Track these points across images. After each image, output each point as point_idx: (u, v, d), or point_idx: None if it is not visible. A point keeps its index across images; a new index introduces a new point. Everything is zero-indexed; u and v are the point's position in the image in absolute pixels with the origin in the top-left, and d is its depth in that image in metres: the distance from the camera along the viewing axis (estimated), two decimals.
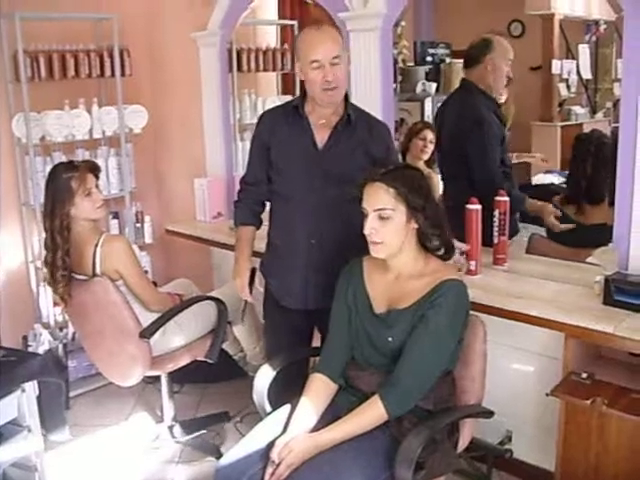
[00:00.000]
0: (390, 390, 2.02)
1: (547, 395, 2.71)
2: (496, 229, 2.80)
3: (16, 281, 3.79)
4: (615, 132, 2.81)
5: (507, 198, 2.81)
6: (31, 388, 2.06)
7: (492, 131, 3.15)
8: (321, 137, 2.46)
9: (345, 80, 2.41)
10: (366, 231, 2.08)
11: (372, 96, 3.04)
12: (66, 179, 2.79)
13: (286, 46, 4.40)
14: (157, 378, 3.24)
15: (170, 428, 3.23)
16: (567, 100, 6.54)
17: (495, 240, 2.82)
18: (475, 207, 2.72)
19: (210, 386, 3.70)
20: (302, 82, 2.47)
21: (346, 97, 2.48)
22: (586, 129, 6.53)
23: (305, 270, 2.52)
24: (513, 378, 2.85)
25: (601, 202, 3.16)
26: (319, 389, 2.17)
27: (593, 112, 6.79)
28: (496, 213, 2.79)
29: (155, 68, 4.15)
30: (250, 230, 2.65)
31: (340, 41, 2.39)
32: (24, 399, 2.05)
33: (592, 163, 3.15)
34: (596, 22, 6.70)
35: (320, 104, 2.42)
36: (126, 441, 3.17)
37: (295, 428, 2.04)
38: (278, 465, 1.93)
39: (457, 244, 2.95)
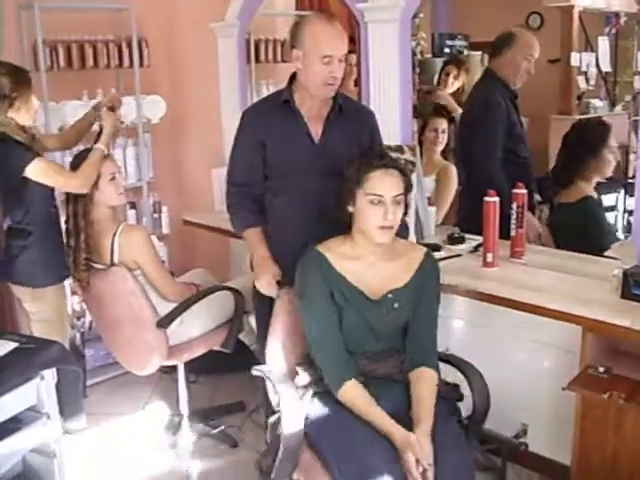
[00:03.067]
0: (427, 356, 2.24)
1: (563, 389, 2.73)
2: (514, 222, 2.79)
3: None
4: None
5: (525, 191, 2.80)
6: (50, 375, 2.07)
7: (499, 115, 3.27)
8: (315, 130, 2.45)
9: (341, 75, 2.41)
10: (388, 217, 2.13)
11: (390, 88, 3.02)
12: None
13: None
14: (173, 368, 3.25)
15: (186, 417, 3.25)
16: (586, 93, 6.46)
17: (512, 233, 2.80)
18: (493, 199, 2.70)
19: (225, 376, 3.72)
20: (294, 72, 2.44)
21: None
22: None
23: None
24: (528, 371, 2.85)
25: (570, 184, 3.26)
26: (363, 392, 2.12)
27: (612, 105, 6.71)
28: (514, 206, 2.78)
29: (173, 59, 4.16)
30: (258, 231, 2.53)
31: (346, 37, 2.38)
32: (43, 386, 2.06)
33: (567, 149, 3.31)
34: (616, 14, 6.61)
35: (314, 96, 2.41)
36: (142, 430, 3.19)
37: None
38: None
39: (468, 237, 3.03)
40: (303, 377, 2.21)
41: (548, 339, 2.77)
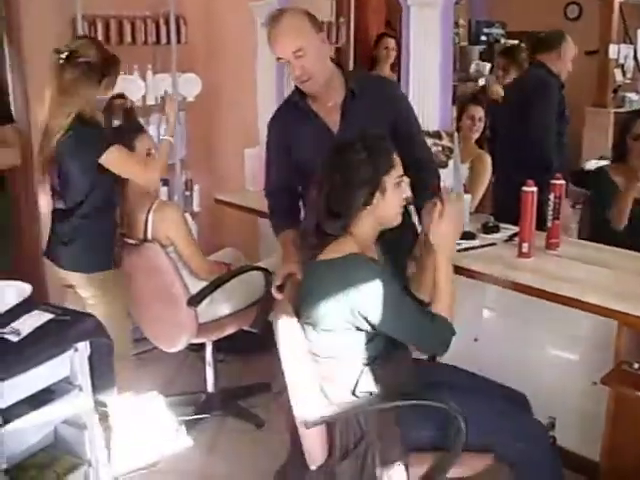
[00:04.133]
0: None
1: (595, 384, 2.70)
2: (550, 213, 2.75)
3: None
4: None
5: (563, 182, 2.76)
6: (83, 348, 2.08)
7: (555, 97, 3.51)
8: (333, 121, 2.40)
9: (319, 68, 2.29)
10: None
11: (430, 73, 3.00)
12: (130, 138, 2.82)
13: (342, 19, 4.35)
14: (201, 346, 3.27)
15: (213, 396, 3.27)
16: (622, 86, 6.38)
17: (549, 224, 2.77)
18: (531, 189, 2.66)
19: (254, 357, 3.71)
20: None
21: (341, 68, 2.43)
22: None
23: None
24: (558, 364, 2.82)
25: None
26: None
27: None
28: (551, 197, 2.74)
29: (210, 37, 4.14)
30: (291, 232, 2.40)
31: (304, 32, 2.24)
32: (77, 358, 2.06)
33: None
34: None
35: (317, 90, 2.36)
36: (168, 406, 3.20)
37: None
38: None
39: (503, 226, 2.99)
40: None
41: (579, 332, 2.75)
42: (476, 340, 3.04)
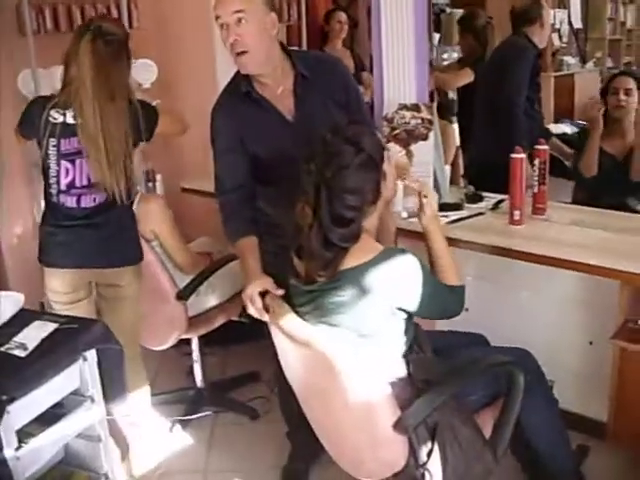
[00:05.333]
0: None
1: (591, 344, 2.75)
2: (536, 178, 2.76)
3: (27, 246, 3.63)
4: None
5: (546, 147, 2.78)
6: (92, 356, 1.96)
7: (530, 60, 3.59)
8: (287, 108, 2.27)
9: (260, 44, 2.15)
10: None
11: (404, 43, 2.92)
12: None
13: None
14: (181, 341, 3.16)
15: (203, 391, 3.17)
16: (559, 50, 6.49)
17: (535, 190, 2.78)
18: (519, 156, 2.66)
19: (234, 347, 3.63)
20: None
21: (286, 50, 2.30)
22: (577, 79, 6.53)
23: None
24: (552, 327, 2.84)
25: None
26: None
27: (583, 62, 6.76)
28: (536, 162, 2.75)
29: (164, 21, 3.96)
30: (251, 240, 2.25)
31: None
32: (86, 368, 1.94)
33: None
34: None
35: (267, 74, 2.22)
36: (155, 406, 3.10)
37: None
38: None
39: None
40: None
41: (571, 294, 2.78)
42: (467, 310, 3.03)
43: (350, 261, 1.85)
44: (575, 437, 2.53)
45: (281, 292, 2.03)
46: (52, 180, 2.41)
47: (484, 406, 2.11)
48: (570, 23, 6.50)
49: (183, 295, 2.75)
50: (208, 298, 2.95)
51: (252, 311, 2.08)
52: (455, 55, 4.94)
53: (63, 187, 2.41)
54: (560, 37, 6.42)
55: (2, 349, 1.86)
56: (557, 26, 6.35)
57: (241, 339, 3.55)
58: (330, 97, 2.30)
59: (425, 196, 2.06)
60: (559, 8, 6.42)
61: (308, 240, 1.86)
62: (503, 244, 2.55)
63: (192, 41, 3.92)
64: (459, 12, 5.37)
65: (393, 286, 1.84)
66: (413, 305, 1.89)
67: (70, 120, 2.35)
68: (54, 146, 2.37)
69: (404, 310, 1.90)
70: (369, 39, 3.10)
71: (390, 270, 1.83)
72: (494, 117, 3.51)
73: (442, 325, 2.52)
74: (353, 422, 1.94)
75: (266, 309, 2.04)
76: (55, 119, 2.36)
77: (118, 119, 2.35)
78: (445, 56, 5.03)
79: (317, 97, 2.27)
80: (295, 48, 2.69)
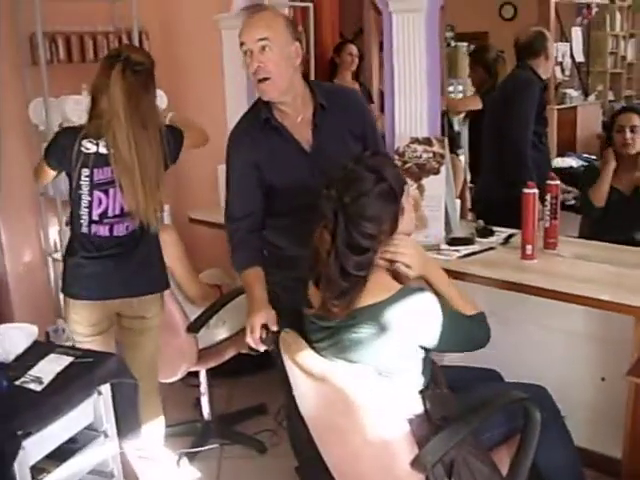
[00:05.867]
0: None
1: (603, 380, 2.73)
2: (548, 213, 2.77)
3: (34, 275, 3.64)
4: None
5: (558, 182, 2.78)
6: (107, 390, 1.94)
7: (535, 95, 3.52)
8: (305, 138, 2.28)
9: (282, 72, 2.17)
10: None
11: (417, 80, 2.94)
12: None
13: (300, 28, 4.28)
14: (187, 373, 3.13)
15: (210, 423, 3.14)
16: (562, 83, 6.56)
17: (547, 224, 2.78)
18: (532, 191, 2.67)
19: (239, 379, 3.60)
20: None
21: (306, 80, 2.32)
22: (579, 112, 6.59)
23: None
24: (564, 363, 2.83)
25: None
26: None
27: (585, 95, 6.82)
28: (548, 197, 2.75)
29: (175, 52, 4.00)
30: (257, 270, 2.27)
31: (276, 26, 2.15)
32: (101, 402, 1.92)
33: None
34: (588, 5, 6.72)
35: (289, 103, 2.24)
36: (163, 439, 3.07)
37: None
38: None
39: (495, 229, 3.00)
40: None
41: (583, 329, 2.76)
42: None
43: (367, 298, 1.83)
44: (589, 475, 2.49)
45: (275, 328, 2.09)
46: (83, 211, 2.39)
47: (500, 443, 2.09)
48: (572, 56, 6.57)
49: (194, 328, 2.73)
50: (218, 331, 2.94)
51: (249, 340, 2.12)
52: (460, 87, 4.99)
53: (95, 217, 2.39)
54: (562, 70, 6.48)
55: (17, 383, 1.84)
56: (560, 59, 6.41)
57: (248, 371, 3.53)
58: (347, 129, 2.32)
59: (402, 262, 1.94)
60: (561, 42, 6.49)
61: (326, 266, 1.85)
62: (516, 279, 2.54)
63: (202, 72, 3.95)
64: (463, 45, 5.44)
65: (411, 325, 1.83)
66: (432, 342, 1.87)
67: (103, 150, 2.34)
68: (87, 176, 2.35)
69: (423, 348, 1.88)
70: (380, 71, 3.14)
71: (408, 309, 1.81)
72: (501, 151, 3.49)
73: (455, 360, 2.52)
74: (370, 459, 1.91)
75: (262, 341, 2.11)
76: (88, 149, 2.34)
77: (151, 147, 2.36)
78: (451, 89, 5.07)
79: (335, 128, 2.28)
80: None
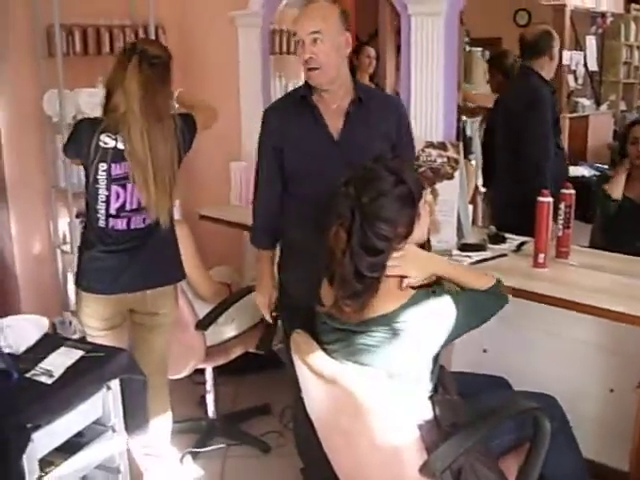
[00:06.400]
0: None
1: (612, 391, 2.71)
2: (561, 222, 2.75)
3: (42, 266, 3.63)
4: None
5: (573, 191, 2.76)
6: (116, 386, 1.93)
7: (549, 111, 3.42)
8: (335, 126, 2.30)
9: (332, 62, 2.23)
10: None
11: (433, 83, 2.94)
12: None
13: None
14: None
15: (215, 422, 3.13)
16: (574, 91, 6.54)
17: (560, 233, 2.76)
18: (547, 200, 2.65)
19: (244, 377, 3.59)
20: None
21: (354, 78, 2.38)
22: (591, 121, 6.58)
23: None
24: (572, 373, 2.81)
25: None
26: None
27: (597, 104, 6.80)
28: (562, 206, 2.74)
29: (190, 47, 3.98)
30: (272, 254, 2.50)
31: (329, 18, 2.22)
32: (110, 397, 1.91)
33: None
34: (603, 14, 6.70)
35: (329, 89, 2.28)
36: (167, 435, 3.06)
37: None
38: None
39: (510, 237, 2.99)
40: None
41: (593, 340, 2.74)
42: (485, 351, 3.02)
43: (381, 306, 1.83)
44: None
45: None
46: (100, 205, 2.37)
47: (509, 451, 2.07)
48: (586, 65, 6.55)
49: (203, 325, 2.73)
50: (226, 329, 2.93)
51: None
52: (474, 92, 4.97)
53: (113, 211, 2.37)
54: (575, 79, 6.46)
55: (27, 375, 1.83)
56: (573, 68, 6.40)
57: (253, 370, 3.52)
58: (380, 128, 2.34)
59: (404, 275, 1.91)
60: (575, 50, 6.48)
61: (341, 266, 1.84)
62: (528, 287, 2.51)
63: (217, 67, 3.93)
64: (478, 50, 5.43)
65: (424, 330, 1.82)
66: (445, 339, 1.87)
67: (121, 145, 2.32)
68: (104, 171, 2.33)
69: (434, 349, 1.88)
70: (396, 74, 3.12)
71: (420, 315, 1.81)
72: (519, 160, 3.44)
73: (462, 367, 2.50)
74: (378, 463, 1.90)
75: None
76: (106, 144, 2.32)
77: (165, 141, 2.35)
78: None
79: (367, 123, 2.31)
80: None
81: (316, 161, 2.31)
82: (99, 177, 2.34)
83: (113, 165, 2.33)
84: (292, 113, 2.34)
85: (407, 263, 1.88)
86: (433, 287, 1.90)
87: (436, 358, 1.94)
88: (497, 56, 4.47)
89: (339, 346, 1.90)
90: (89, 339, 2.32)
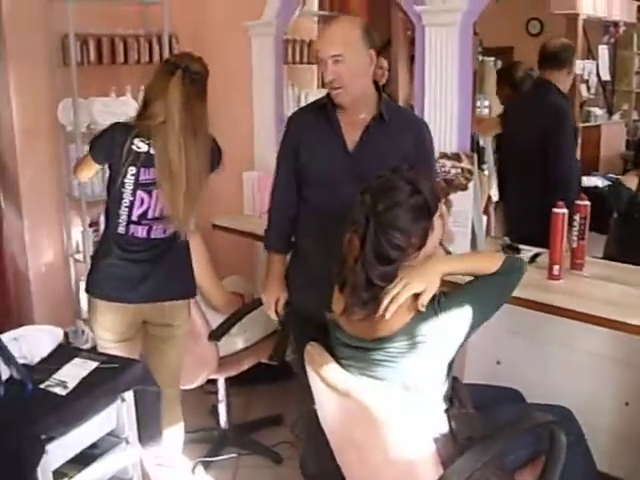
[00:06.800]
0: None
1: (627, 404, 2.69)
2: (576, 233, 2.73)
3: (55, 275, 3.64)
4: None
5: (588, 202, 2.75)
6: (130, 397, 1.92)
7: (572, 128, 3.50)
8: (352, 138, 2.29)
9: (356, 82, 2.22)
10: None
11: (447, 94, 2.93)
12: None
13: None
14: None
15: (227, 432, 3.12)
16: (587, 101, 6.49)
17: (574, 244, 2.74)
18: (562, 211, 2.63)
19: (257, 387, 3.58)
20: None
21: (380, 93, 2.34)
22: (604, 131, 6.53)
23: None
24: (586, 386, 2.79)
25: None
26: None
27: (610, 114, 6.76)
28: (577, 217, 2.72)
29: (204, 57, 3.96)
30: (284, 258, 2.50)
31: (350, 42, 2.20)
32: (124, 409, 1.91)
33: None
34: (615, 24, 6.66)
35: (353, 101, 2.27)
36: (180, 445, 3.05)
37: None
38: None
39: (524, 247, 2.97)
40: None
41: (608, 352, 2.72)
42: (499, 363, 3.00)
43: (393, 323, 1.80)
44: None
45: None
46: (123, 210, 2.36)
47: (524, 465, 2.06)
48: (598, 75, 6.50)
49: (216, 335, 2.72)
50: (239, 339, 2.93)
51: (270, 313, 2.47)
52: (486, 103, 4.94)
53: (134, 217, 2.36)
54: (588, 88, 6.41)
55: (42, 386, 1.83)
56: (585, 77, 6.35)
57: (265, 380, 3.51)
58: (398, 147, 2.29)
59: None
60: (588, 59, 6.44)
61: (353, 273, 1.83)
62: (542, 299, 2.50)
63: (230, 78, 3.92)
64: (490, 60, 5.40)
65: (440, 340, 1.81)
66: (461, 342, 1.86)
67: (153, 151, 2.33)
68: (132, 175, 2.33)
69: (450, 354, 1.87)
70: (410, 84, 3.10)
71: (435, 326, 1.79)
72: (538, 171, 3.42)
73: (475, 379, 2.49)
74: (392, 478, 1.89)
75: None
76: (139, 148, 2.33)
77: (199, 154, 2.36)
78: (477, 103, 5.02)
79: (386, 141, 2.28)
80: None
81: (328, 170, 2.31)
82: (126, 181, 2.33)
83: (142, 169, 2.33)
84: (312, 120, 2.35)
85: (413, 277, 1.83)
86: (438, 295, 1.84)
87: (451, 363, 1.93)
88: (506, 68, 4.45)
89: (353, 362, 1.89)
90: (100, 349, 2.33)
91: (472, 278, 1.94)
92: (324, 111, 2.31)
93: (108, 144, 2.37)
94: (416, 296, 1.81)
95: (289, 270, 2.49)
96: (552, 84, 3.48)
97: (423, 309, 1.80)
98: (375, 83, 2.35)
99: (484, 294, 1.89)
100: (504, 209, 3.69)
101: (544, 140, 3.34)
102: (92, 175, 2.63)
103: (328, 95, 2.32)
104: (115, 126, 2.43)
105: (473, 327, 1.85)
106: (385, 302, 1.80)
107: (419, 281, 1.82)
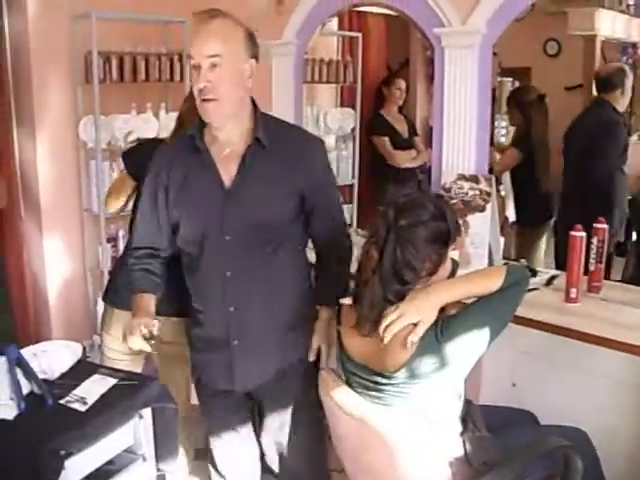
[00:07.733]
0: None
1: None
2: (593, 256, 2.73)
3: (73, 290, 3.67)
4: None
5: (606, 226, 2.74)
6: (148, 414, 1.94)
7: (622, 138, 3.92)
8: (228, 173, 1.96)
9: (232, 93, 1.91)
10: None
11: (466, 115, 2.94)
12: None
13: (348, 58, 4.31)
14: None
15: None
16: None
17: (592, 267, 2.74)
18: (580, 234, 2.63)
19: None
20: None
21: (255, 108, 2.03)
22: None
23: (227, 345, 2.05)
24: (605, 409, 2.77)
25: None
26: None
27: (628, 135, 6.74)
28: (594, 240, 2.72)
29: None
30: (150, 297, 2.07)
31: (232, 40, 1.89)
32: (141, 426, 1.92)
33: None
34: (634, 45, 6.66)
35: (221, 127, 1.96)
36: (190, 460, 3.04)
37: None
38: None
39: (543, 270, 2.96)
40: None
41: (623, 377, 2.70)
42: (514, 385, 2.98)
43: (397, 356, 1.79)
44: None
45: (156, 332, 1.95)
46: None
47: None
48: None
49: None
50: None
51: (128, 340, 1.95)
52: (504, 124, 4.97)
53: None
54: None
55: (62, 402, 1.85)
56: None
57: None
58: (284, 179, 2.00)
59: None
60: None
61: (369, 285, 1.83)
62: (559, 322, 2.49)
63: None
64: (508, 80, 5.43)
65: (447, 369, 1.79)
66: (471, 365, 1.84)
67: None
68: None
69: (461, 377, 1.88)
70: (429, 105, 3.13)
71: (441, 356, 1.78)
72: (586, 191, 3.70)
73: (490, 400, 2.48)
74: None
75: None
76: None
77: None
78: (494, 124, 5.06)
79: (268, 172, 1.97)
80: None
81: (203, 214, 1.99)
82: None
83: None
84: (180, 155, 2.03)
85: (409, 307, 1.79)
86: (440, 322, 1.81)
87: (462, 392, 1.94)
88: (517, 91, 4.51)
89: (362, 389, 1.90)
90: (107, 363, 2.33)
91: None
92: (192, 143, 1.99)
93: (141, 160, 2.28)
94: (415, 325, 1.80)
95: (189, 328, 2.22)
96: (609, 103, 3.87)
97: (409, 345, 1.75)
98: (252, 100, 2.04)
99: (488, 315, 1.84)
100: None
101: (590, 156, 3.69)
102: (125, 200, 2.59)
103: (198, 123, 2.01)
104: (150, 142, 2.43)
105: (482, 348, 1.83)
106: (381, 328, 1.79)
107: (414, 312, 1.79)
